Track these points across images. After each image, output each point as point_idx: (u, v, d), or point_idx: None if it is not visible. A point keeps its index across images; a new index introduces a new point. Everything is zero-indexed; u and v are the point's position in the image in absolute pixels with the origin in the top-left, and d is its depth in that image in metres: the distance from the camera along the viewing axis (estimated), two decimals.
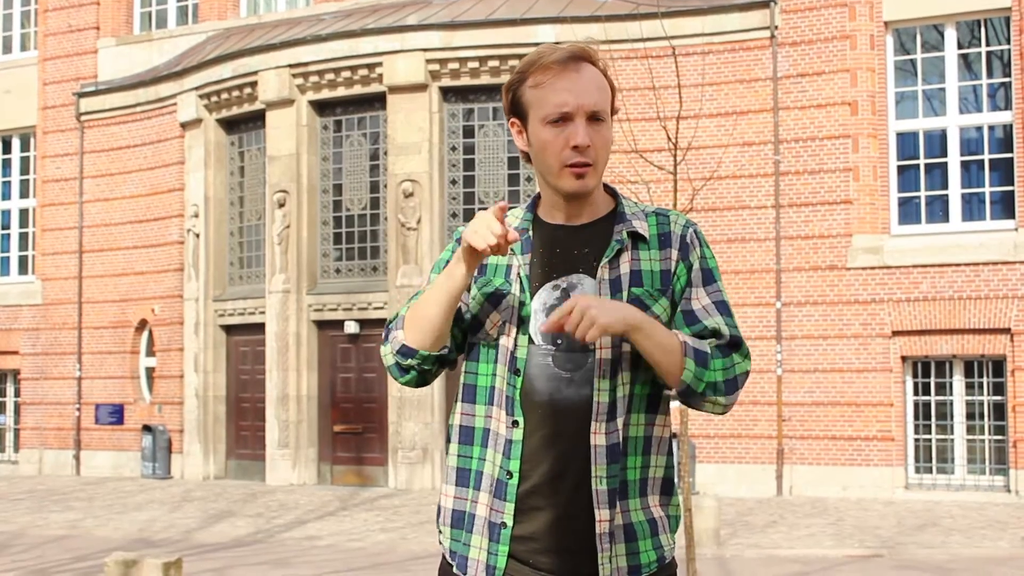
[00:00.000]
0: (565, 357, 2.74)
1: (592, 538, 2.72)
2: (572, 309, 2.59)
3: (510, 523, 2.73)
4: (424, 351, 2.77)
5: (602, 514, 2.70)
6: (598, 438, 2.71)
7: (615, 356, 2.73)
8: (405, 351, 2.78)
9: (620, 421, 2.72)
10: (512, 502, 2.72)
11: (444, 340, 2.78)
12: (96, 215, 24.93)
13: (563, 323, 2.60)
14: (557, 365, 2.74)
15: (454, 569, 2.81)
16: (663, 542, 2.81)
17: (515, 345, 2.76)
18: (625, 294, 2.75)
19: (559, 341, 2.75)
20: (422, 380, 2.86)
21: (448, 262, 2.82)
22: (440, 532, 2.88)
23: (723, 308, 2.81)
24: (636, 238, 2.82)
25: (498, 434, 2.76)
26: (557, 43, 2.93)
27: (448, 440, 2.90)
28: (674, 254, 2.81)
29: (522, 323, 2.77)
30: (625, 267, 2.78)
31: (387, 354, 2.83)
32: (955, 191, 18.51)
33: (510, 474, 2.73)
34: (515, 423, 2.74)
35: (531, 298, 2.78)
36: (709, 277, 2.84)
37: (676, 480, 2.92)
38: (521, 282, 2.78)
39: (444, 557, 2.88)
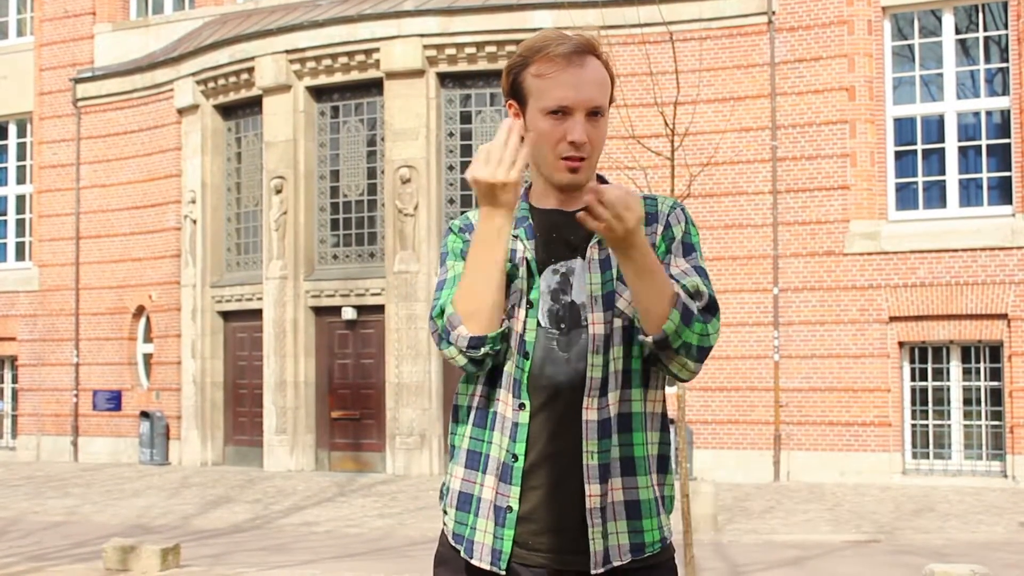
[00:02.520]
0: (565, 339, 2.76)
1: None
2: (606, 201, 2.53)
3: (516, 507, 2.74)
4: (492, 333, 2.71)
5: (592, 489, 2.71)
6: (590, 413, 2.72)
7: (607, 332, 2.74)
8: (475, 343, 2.70)
9: (612, 396, 2.74)
10: (518, 485, 2.73)
11: (503, 314, 2.74)
12: (93, 201, 24.90)
13: (594, 204, 2.53)
14: (560, 348, 2.76)
15: (462, 553, 2.82)
16: (663, 522, 2.83)
17: (524, 328, 2.77)
18: (614, 271, 2.77)
19: (563, 325, 2.77)
20: (494, 361, 2.79)
21: (461, 250, 2.85)
22: (445, 513, 2.89)
23: (702, 272, 2.79)
24: None
25: (505, 417, 2.77)
26: (558, 28, 2.91)
27: (455, 420, 2.89)
28: (659, 229, 2.82)
29: (530, 307, 2.78)
30: None
31: (455, 356, 2.74)
32: (952, 177, 18.51)
33: (515, 457, 2.74)
34: (521, 406, 2.75)
35: (539, 281, 2.79)
36: (690, 249, 2.83)
37: (672, 459, 2.92)
38: (528, 266, 2.80)
39: (446, 536, 2.88)
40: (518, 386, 2.75)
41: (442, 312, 2.76)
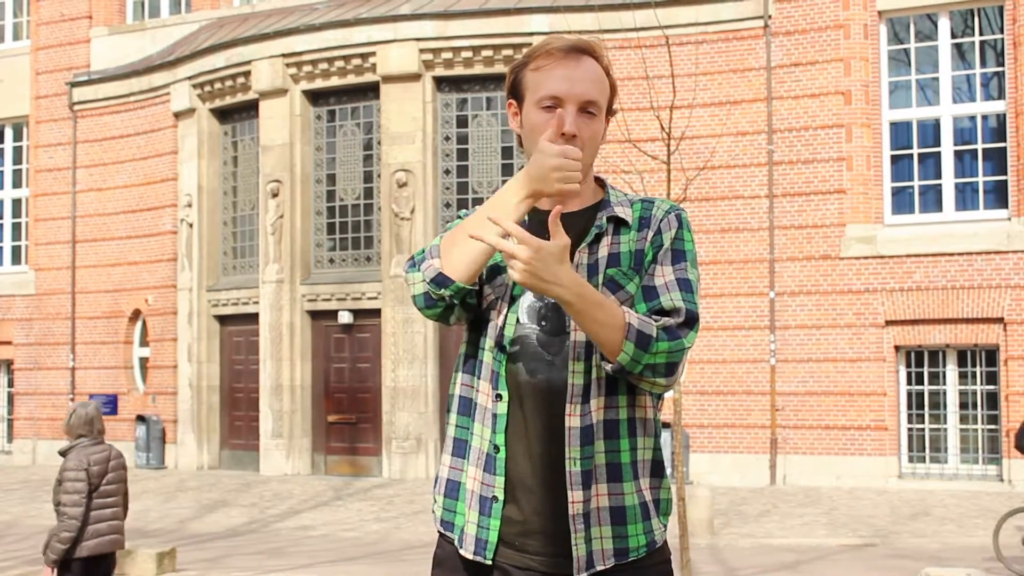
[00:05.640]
0: (548, 340, 2.77)
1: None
2: (518, 252, 2.55)
3: (501, 496, 2.75)
4: (460, 283, 2.73)
5: (575, 495, 2.71)
6: (572, 420, 2.72)
7: (590, 339, 2.73)
8: (441, 279, 2.73)
9: (595, 403, 2.73)
10: (502, 475, 2.74)
11: (477, 275, 2.75)
12: (89, 205, 24.89)
13: (506, 246, 2.56)
14: (540, 346, 2.77)
15: (454, 542, 2.83)
16: (654, 526, 2.82)
17: (504, 322, 2.79)
18: (601, 276, 2.77)
19: (544, 323, 2.77)
20: (445, 316, 2.82)
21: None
22: (435, 501, 2.91)
23: (684, 285, 2.76)
24: (619, 223, 2.83)
25: (485, 408, 2.79)
26: (557, 32, 2.94)
27: (448, 410, 2.91)
28: (649, 234, 2.81)
29: (512, 301, 2.79)
30: (604, 251, 2.79)
31: (416, 282, 2.78)
32: (948, 181, 18.53)
33: (497, 448, 2.75)
34: (499, 396, 2.76)
35: None
36: (679, 257, 2.80)
37: (665, 462, 2.91)
38: None
39: (439, 531, 2.90)
40: (496, 377, 2.77)
41: (423, 250, 2.82)
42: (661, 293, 2.74)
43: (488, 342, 2.79)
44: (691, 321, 2.72)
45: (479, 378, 2.81)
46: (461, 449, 2.84)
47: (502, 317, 2.79)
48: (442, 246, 2.76)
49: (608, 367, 2.68)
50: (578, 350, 2.73)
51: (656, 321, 2.68)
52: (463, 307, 2.81)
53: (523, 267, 2.54)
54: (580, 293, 2.60)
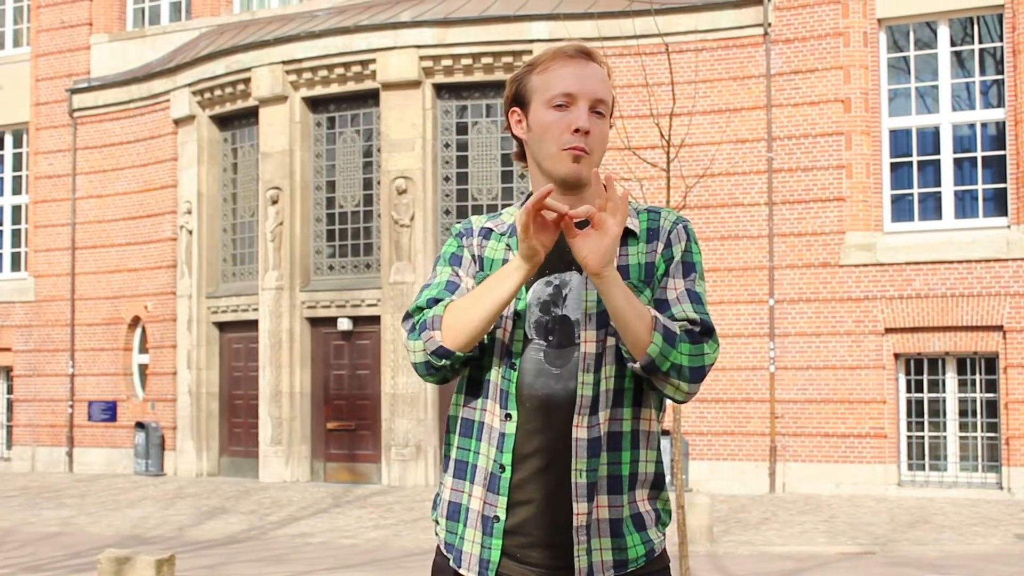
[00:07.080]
0: (556, 353, 2.75)
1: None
2: (608, 222, 2.56)
3: (503, 516, 2.73)
4: (461, 353, 2.73)
5: (580, 507, 2.70)
6: (580, 431, 2.71)
7: (599, 350, 2.73)
8: (442, 352, 2.72)
9: (603, 415, 2.72)
10: (505, 495, 2.73)
11: (478, 341, 2.75)
12: (89, 212, 24.90)
13: (568, 221, 2.57)
14: (548, 361, 2.75)
15: (450, 563, 2.82)
16: (652, 536, 2.81)
17: (511, 340, 2.77)
18: None
19: (551, 337, 2.76)
20: (445, 379, 2.83)
21: (453, 255, 2.87)
22: (437, 523, 2.90)
23: (694, 296, 2.78)
24: (627, 234, 2.82)
25: (492, 427, 2.77)
26: (555, 39, 2.95)
27: (448, 431, 2.90)
28: (659, 247, 2.81)
29: (518, 318, 2.77)
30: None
31: (417, 351, 2.76)
32: (948, 188, 18.54)
33: (503, 468, 2.74)
34: (508, 416, 2.74)
35: (526, 293, 2.78)
36: (689, 269, 2.82)
37: (666, 475, 2.91)
38: None
39: (439, 548, 2.89)
40: (505, 396, 2.75)
41: (420, 309, 2.80)
42: (673, 305, 2.75)
43: (494, 361, 2.78)
44: (708, 331, 2.72)
45: (485, 398, 2.79)
46: (463, 471, 2.83)
47: (508, 335, 2.78)
48: (446, 318, 2.74)
49: (637, 365, 2.66)
50: (588, 361, 2.72)
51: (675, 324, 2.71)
52: (464, 366, 2.81)
53: (605, 239, 2.56)
54: (619, 277, 2.63)
